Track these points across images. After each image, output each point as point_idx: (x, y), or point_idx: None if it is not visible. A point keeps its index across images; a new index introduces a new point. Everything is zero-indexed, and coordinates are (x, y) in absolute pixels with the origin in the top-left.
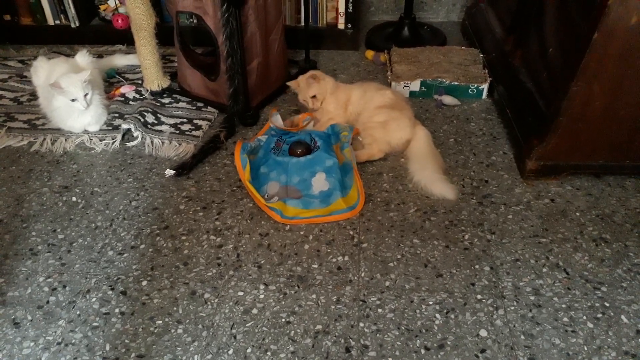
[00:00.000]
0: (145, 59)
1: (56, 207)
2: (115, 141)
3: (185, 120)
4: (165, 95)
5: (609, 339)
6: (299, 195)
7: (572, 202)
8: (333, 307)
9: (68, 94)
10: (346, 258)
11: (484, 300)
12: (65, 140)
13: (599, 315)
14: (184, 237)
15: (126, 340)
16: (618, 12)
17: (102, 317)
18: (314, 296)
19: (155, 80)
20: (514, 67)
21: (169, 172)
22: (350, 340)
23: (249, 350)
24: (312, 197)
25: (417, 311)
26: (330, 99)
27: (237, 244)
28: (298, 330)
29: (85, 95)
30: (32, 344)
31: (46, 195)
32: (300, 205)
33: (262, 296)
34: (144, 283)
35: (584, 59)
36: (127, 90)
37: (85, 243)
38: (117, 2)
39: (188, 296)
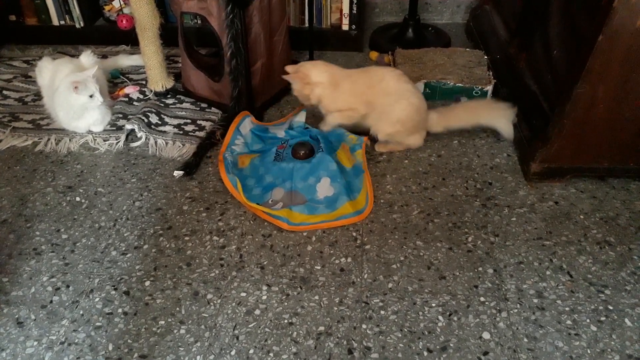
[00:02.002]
0: (149, 59)
1: (60, 207)
2: (119, 141)
3: (189, 120)
4: (169, 96)
5: (612, 342)
6: (303, 200)
7: (576, 204)
8: (336, 308)
9: (88, 90)
10: (349, 260)
11: (487, 303)
12: (70, 140)
13: (603, 319)
14: (187, 238)
15: (129, 340)
16: (623, 15)
17: (105, 317)
18: (316, 297)
19: (159, 80)
20: (519, 69)
21: (178, 173)
22: (353, 341)
23: (251, 351)
24: (316, 203)
25: (420, 313)
26: (333, 94)
27: (240, 245)
28: (300, 332)
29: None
30: (35, 343)
31: (50, 195)
32: (305, 211)
33: (264, 297)
34: (147, 283)
35: (589, 62)
36: (131, 90)
37: (89, 243)
38: (122, 2)
39: (191, 297)
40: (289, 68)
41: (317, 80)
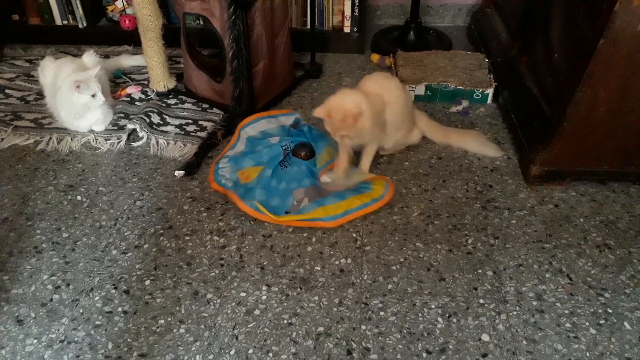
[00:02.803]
0: (151, 59)
1: (61, 206)
2: (120, 141)
3: (190, 121)
4: (171, 96)
5: (611, 346)
6: (327, 192)
7: (576, 208)
8: (335, 309)
9: (90, 90)
10: (349, 260)
11: (486, 305)
12: (71, 139)
13: (602, 322)
14: (187, 238)
15: (128, 339)
16: (624, 19)
17: (105, 315)
18: (316, 298)
19: (161, 81)
20: (520, 72)
21: (179, 172)
22: (352, 342)
23: (250, 351)
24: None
25: (419, 315)
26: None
27: (240, 245)
28: (300, 332)
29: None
30: (35, 341)
31: (51, 193)
32: (337, 199)
33: (264, 297)
34: (147, 282)
35: (590, 65)
36: (133, 90)
37: (90, 242)
38: (125, 3)
39: (191, 296)
40: (321, 113)
41: (366, 115)
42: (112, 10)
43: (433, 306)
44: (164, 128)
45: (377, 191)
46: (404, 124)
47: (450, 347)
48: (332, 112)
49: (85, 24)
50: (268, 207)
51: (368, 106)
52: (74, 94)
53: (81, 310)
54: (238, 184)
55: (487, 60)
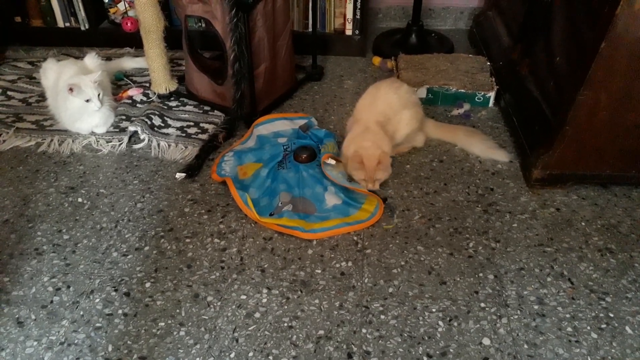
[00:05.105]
0: (153, 62)
1: (62, 208)
2: (121, 143)
3: (191, 123)
4: (172, 99)
5: (612, 350)
6: (313, 209)
7: (578, 211)
8: (336, 312)
9: (84, 95)
10: (350, 264)
11: (487, 309)
12: (73, 141)
13: (603, 326)
14: (188, 240)
15: (129, 342)
16: (625, 22)
17: (105, 318)
18: (316, 301)
19: (162, 83)
20: (521, 76)
21: (180, 175)
22: (353, 346)
23: (250, 354)
24: (326, 212)
25: (420, 318)
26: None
27: (241, 248)
28: (300, 335)
29: (98, 95)
30: (35, 343)
31: (52, 195)
32: (318, 220)
33: (264, 300)
34: (148, 285)
35: (591, 69)
36: (134, 92)
37: (90, 244)
38: (127, 5)
39: (191, 299)
40: (355, 163)
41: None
42: (114, 13)
43: (434, 310)
44: (165, 130)
45: (365, 213)
46: (414, 122)
47: (451, 351)
48: (365, 159)
49: (87, 26)
50: (256, 206)
51: (387, 142)
52: (67, 97)
53: (81, 313)
54: (236, 179)
55: (488, 63)
